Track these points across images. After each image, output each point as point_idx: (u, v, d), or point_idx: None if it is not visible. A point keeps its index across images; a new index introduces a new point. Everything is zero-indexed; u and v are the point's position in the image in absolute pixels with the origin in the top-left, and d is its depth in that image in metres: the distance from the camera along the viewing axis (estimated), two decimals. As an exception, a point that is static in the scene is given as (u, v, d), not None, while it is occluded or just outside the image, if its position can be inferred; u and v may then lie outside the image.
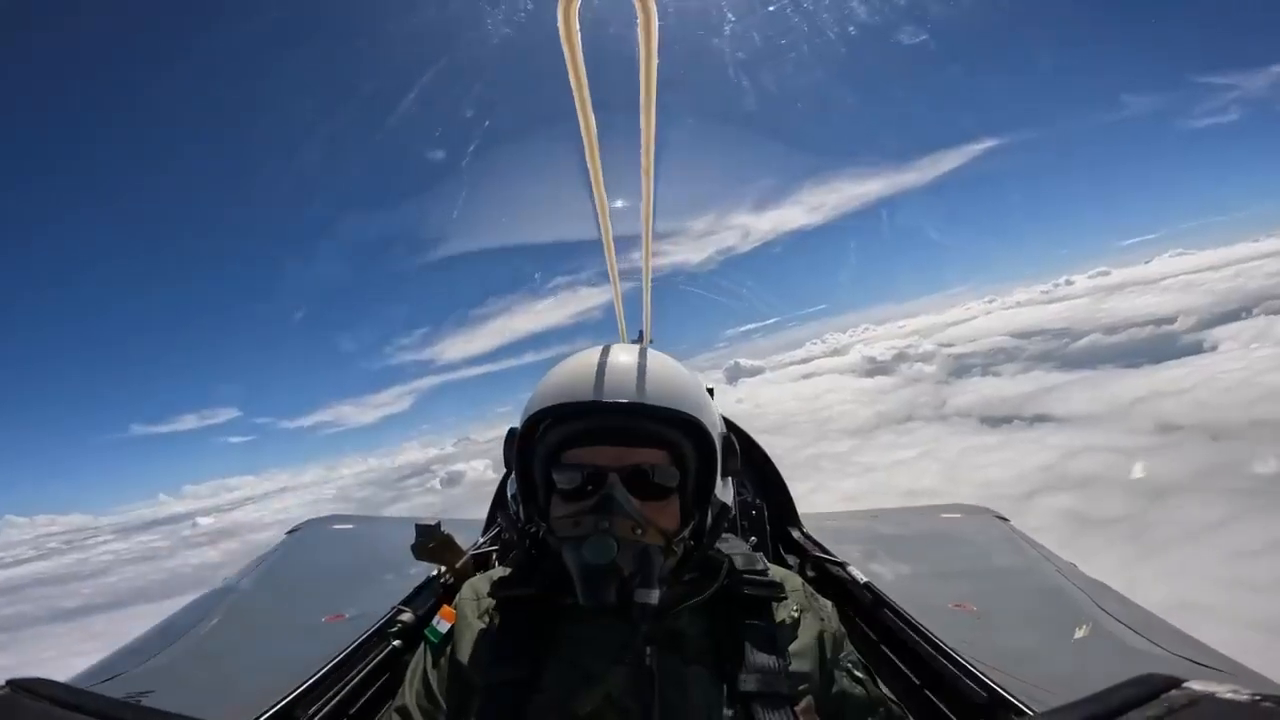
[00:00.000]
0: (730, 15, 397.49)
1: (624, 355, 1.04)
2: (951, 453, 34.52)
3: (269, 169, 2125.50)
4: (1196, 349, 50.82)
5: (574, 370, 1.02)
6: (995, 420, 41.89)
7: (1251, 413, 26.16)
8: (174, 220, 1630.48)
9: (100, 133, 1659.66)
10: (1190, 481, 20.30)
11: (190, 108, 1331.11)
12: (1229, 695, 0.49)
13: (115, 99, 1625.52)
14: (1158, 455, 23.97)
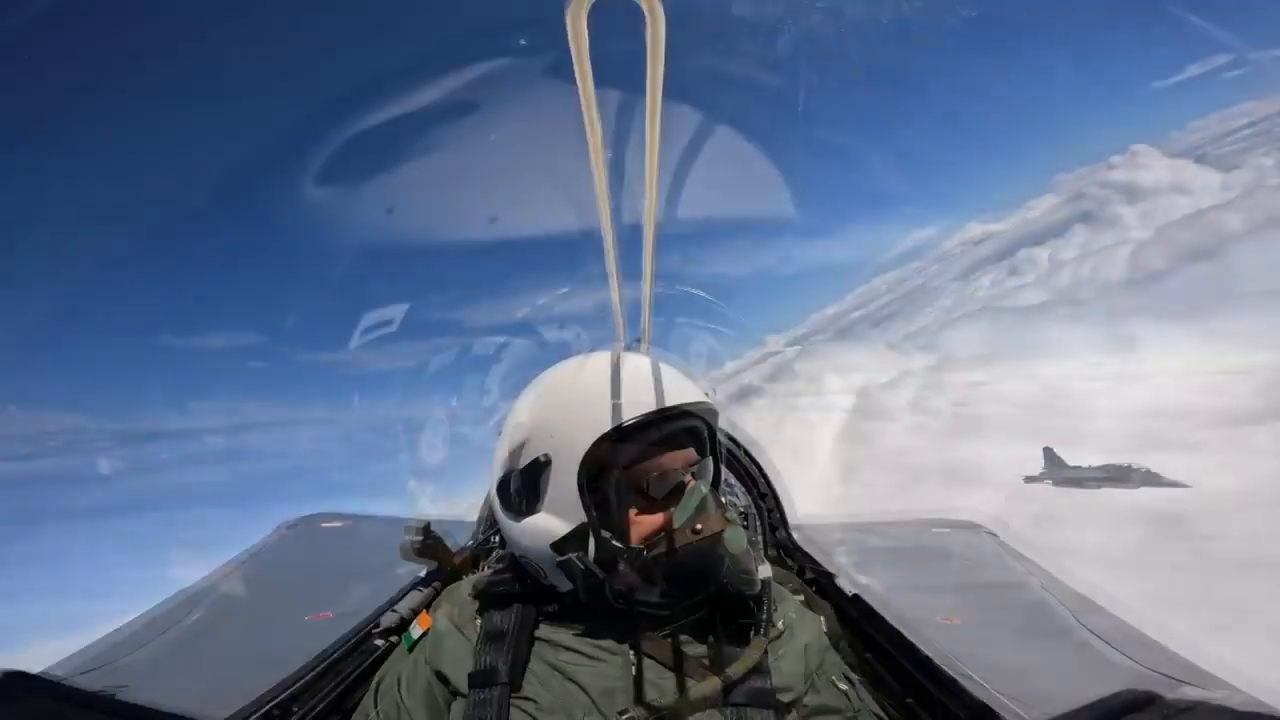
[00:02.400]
0: (820, 41, 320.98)
1: (658, 360, 1.07)
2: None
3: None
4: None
5: (620, 381, 1.02)
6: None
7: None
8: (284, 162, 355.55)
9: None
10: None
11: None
12: (1214, 713, 0.50)
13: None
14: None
